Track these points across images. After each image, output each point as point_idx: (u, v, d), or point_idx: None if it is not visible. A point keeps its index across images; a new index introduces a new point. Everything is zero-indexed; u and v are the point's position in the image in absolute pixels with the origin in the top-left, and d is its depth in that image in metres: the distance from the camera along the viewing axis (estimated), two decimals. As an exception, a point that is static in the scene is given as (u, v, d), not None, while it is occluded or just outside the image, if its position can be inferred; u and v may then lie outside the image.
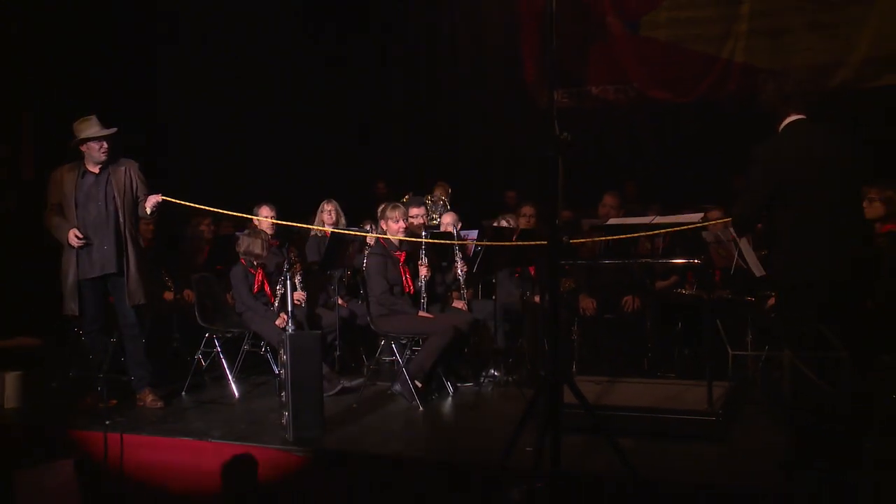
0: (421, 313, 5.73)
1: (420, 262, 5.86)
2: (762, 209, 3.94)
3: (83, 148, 5.31)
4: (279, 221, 6.35)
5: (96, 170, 5.33)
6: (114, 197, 5.32)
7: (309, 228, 6.84)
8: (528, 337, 6.06)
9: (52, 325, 6.05)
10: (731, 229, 4.34)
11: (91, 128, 5.27)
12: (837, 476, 3.66)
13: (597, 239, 5.87)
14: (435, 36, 11.31)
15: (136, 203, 5.42)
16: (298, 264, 6.00)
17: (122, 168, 5.39)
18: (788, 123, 3.91)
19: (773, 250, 4.09)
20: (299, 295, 5.98)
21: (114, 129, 5.31)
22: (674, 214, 6.18)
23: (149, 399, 5.40)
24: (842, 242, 3.76)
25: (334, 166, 10.50)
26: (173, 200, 5.39)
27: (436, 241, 5.99)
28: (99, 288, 5.37)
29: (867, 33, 8.92)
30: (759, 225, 4.77)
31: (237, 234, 6.33)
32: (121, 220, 5.33)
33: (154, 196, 5.36)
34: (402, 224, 5.86)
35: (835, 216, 3.76)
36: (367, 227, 6.75)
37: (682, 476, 3.92)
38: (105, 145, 5.29)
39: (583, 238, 6.29)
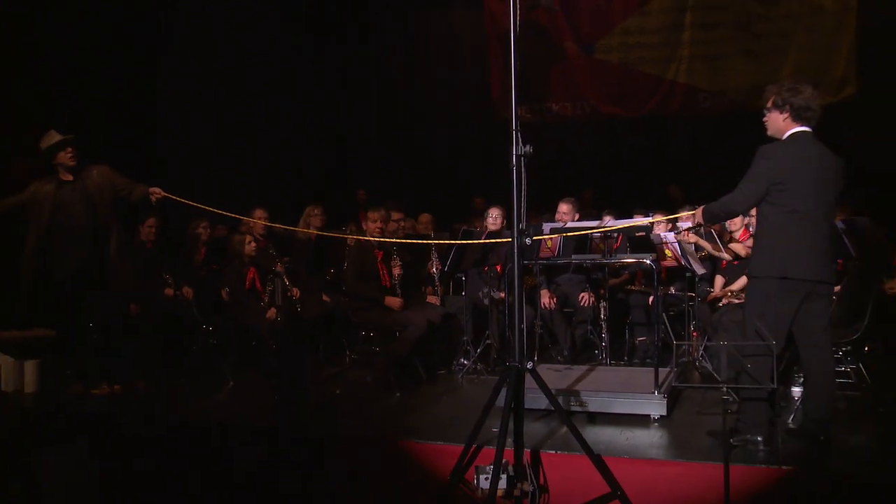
0: (389, 298, 5.93)
1: (393, 260, 6.07)
2: (755, 201, 4.11)
3: (54, 162, 5.51)
4: (272, 224, 6.67)
5: (70, 177, 5.53)
6: (91, 198, 5.51)
7: (297, 231, 7.17)
8: (494, 329, 6.31)
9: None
10: (698, 216, 4.41)
11: (52, 138, 5.47)
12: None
13: (553, 235, 6.08)
14: (411, 56, 11.74)
15: (116, 198, 5.60)
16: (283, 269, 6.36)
17: (94, 171, 5.59)
18: (796, 132, 4.11)
19: (757, 244, 4.23)
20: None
21: (70, 135, 5.48)
22: (625, 219, 6.42)
23: (135, 385, 5.68)
24: (821, 245, 4.06)
25: (319, 174, 10.87)
26: (174, 197, 5.61)
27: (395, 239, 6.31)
28: (78, 286, 5.52)
29: (789, 62, 9.69)
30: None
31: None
32: (99, 218, 5.52)
33: (155, 189, 5.62)
34: (378, 225, 6.08)
35: (817, 220, 4.05)
36: (349, 230, 7.04)
37: (632, 451, 4.14)
38: (71, 150, 5.48)
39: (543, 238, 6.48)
